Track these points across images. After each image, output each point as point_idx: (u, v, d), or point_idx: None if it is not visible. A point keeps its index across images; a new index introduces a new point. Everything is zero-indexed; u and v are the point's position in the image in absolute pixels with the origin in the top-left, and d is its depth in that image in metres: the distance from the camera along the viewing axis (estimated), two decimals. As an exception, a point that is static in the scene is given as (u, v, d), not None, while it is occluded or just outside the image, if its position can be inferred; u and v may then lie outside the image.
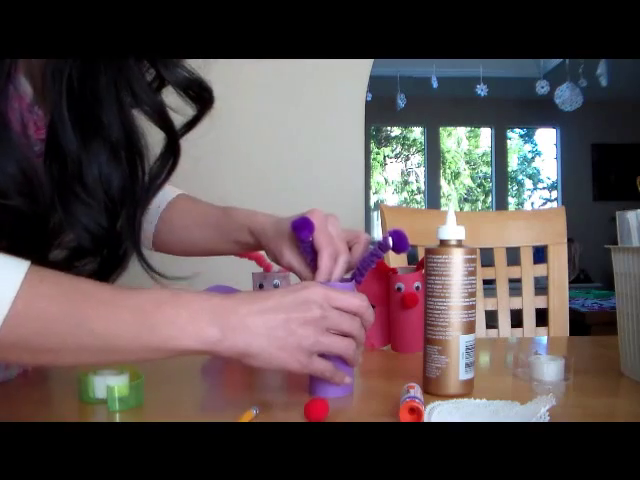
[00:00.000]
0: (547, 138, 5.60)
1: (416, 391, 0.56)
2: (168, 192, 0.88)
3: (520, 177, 5.74)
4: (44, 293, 0.48)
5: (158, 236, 0.84)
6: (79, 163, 0.56)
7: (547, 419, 0.54)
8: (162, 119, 0.61)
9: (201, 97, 0.64)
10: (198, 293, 0.54)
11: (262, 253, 0.85)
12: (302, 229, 0.63)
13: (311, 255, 0.65)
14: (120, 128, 0.58)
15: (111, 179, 0.58)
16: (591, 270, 4.69)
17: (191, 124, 0.65)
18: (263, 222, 0.73)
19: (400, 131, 5.73)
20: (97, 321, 0.49)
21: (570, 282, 1.27)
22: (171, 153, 0.63)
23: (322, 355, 0.57)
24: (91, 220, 0.57)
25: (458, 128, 5.66)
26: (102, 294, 0.51)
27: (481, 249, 1.21)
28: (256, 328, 0.53)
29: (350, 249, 0.68)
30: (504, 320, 1.22)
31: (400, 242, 0.65)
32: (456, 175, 5.72)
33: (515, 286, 1.24)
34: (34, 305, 0.47)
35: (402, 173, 5.73)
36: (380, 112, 4.32)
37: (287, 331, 0.54)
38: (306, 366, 0.56)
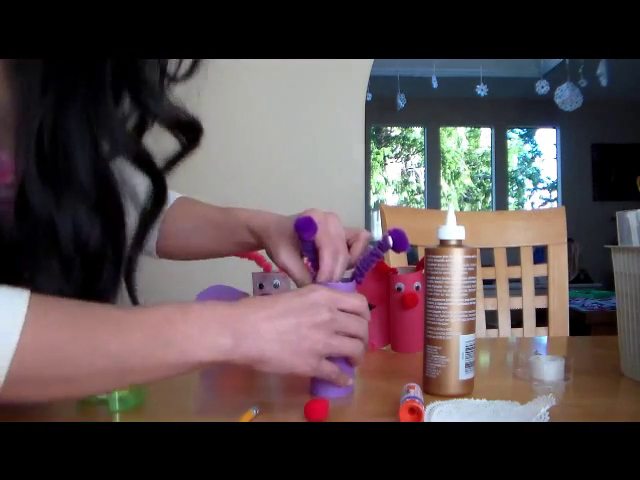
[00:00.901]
0: (547, 138, 5.59)
1: (416, 391, 0.56)
2: (168, 197, 0.87)
3: (520, 177, 5.73)
4: (52, 321, 0.46)
5: (161, 242, 0.83)
6: (51, 221, 0.51)
7: (547, 419, 0.54)
8: (146, 166, 0.59)
9: (189, 134, 0.61)
10: (205, 304, 0.53)
11: (262, 253, 0.85)
12: (305, 229, 0.62)
13: (311, 254, 0.65)
14: (95, 180, 0.53)
15: (89, 234, 0.53)
16: (591, 270, 4.69)
17: (175, 161, 0.62)
18: (265, 220, 0.73)
19: (400, 131, 5.72)
20: (111, 343, 0.47)
21: (570, 282, 1.27)
22: (160, 193, 0.61)
23: (327, 357, 0.57)
24: (59, 284, 0.52)
25: (458, 128, 5.65)
26: (111, 315, 0.49)
27: (481, 249, 1.21)
28: (267, 334, 0.53)
29: (349, 247, 0.69)
30: (504, 320, 1.22)
31: (400, 241, 0.65)
32: (456, 175, 5.71)
33: (515, 286, 1.24)
34: (43, 334, 0.45)
35: (402, 173, 5.72)
36: (380, 112, 4.32)
37: (298, 335, 0.54)
38: (316, 369, 0.56)
